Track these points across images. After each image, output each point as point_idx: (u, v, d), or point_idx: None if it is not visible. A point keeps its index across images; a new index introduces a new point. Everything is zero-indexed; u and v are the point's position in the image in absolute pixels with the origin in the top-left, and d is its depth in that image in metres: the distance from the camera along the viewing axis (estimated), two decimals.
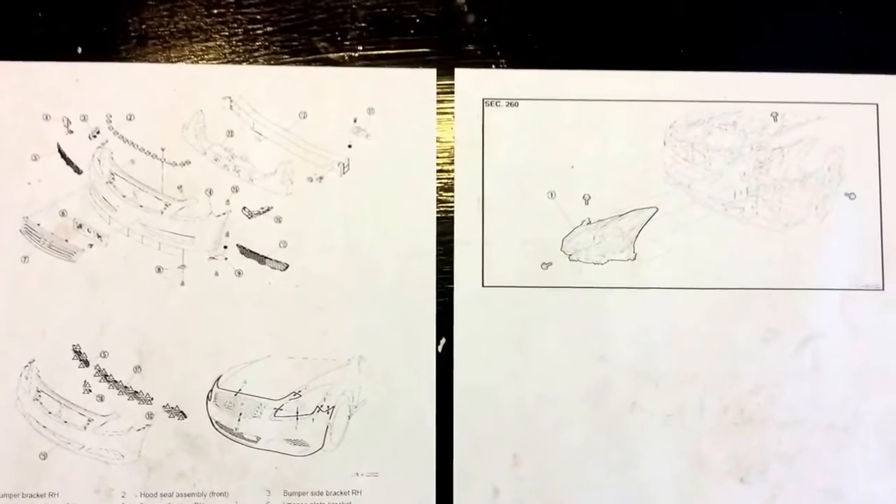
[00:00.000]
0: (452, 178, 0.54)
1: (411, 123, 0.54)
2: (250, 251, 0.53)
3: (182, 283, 0.53)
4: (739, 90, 0.55)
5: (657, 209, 0.54)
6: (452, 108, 0.55)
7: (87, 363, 0.52)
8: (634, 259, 0.54)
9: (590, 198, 0.54)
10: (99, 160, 0.53)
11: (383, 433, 0.53)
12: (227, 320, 0.53)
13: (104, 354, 0.52)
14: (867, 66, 0.55)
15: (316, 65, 0.55)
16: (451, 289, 0.54)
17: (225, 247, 0.53)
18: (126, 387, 0.52)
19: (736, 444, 0.53)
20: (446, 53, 0.55)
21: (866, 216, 0.54)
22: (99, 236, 0.53)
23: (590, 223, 0.54)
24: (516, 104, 0.55)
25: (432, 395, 0.53)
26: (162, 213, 0.53)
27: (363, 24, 0.55)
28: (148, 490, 0.52)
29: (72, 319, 0.52)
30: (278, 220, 0.53)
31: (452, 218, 0.54)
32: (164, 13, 0.55)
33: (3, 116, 0.53)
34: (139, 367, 0.52)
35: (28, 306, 0.52)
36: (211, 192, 0.54)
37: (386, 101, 0.54)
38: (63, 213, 0.53)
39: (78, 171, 0.53)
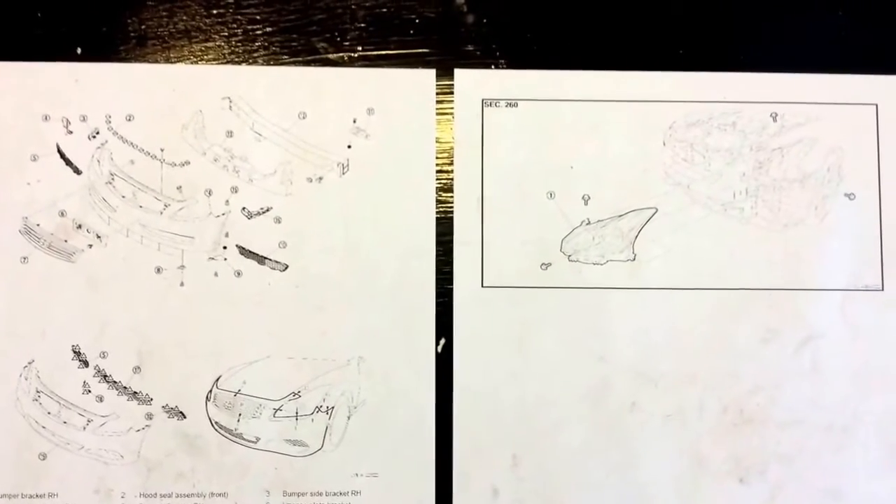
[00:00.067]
0: (452, 179, 0.54)
1: (411, 124, 0.54)
2: (250, 252, 0.53)
3: (181, 284, 0.53)
4: (739, 90, 0.55)
5: (657, 209, 0.54)
6: (452, 108, 0.55)
7: (86, 364, 0.52)
8: (634, 259, 0.54)
9: (589, 198, 0.54)
10: (98, 160, 0.53)
11: (383, 433, 0.53)
12: (226, 321, 0.53)
13: (104, 355, 0.52)
14: (866, 66, 0.55)
15: (315, 65, 0.55)
16: (451, 289, 0.54)
17: (224, 247, 0.53)
18: (125, 387, 0.52)
19: (735, 444, 0.53)
20: (446, 54, 0.55)
21: (866, 216, 0.54)
22: (98, 237, 0.53)
23: (589, 223, 0.54)
24: (516, 104, 0.55)
25: (432, 395, 0.53)
26: (161, 213, 0.53)
27: (362, 25, 0.55)
28: (147, 490, 0.52)
29: (71, 320, 0.52)
30: (278, 220, 0.54)
31: (452, 218, 0.54)
32: (164, 13, 0.55)
33: (3, 117, 0.53)
34: (138, 367, 0.52)
35: (27, 307, 0.52)
36: (210, 193, 0.54)
37: (385, 102, 0.54)
38: (62, 214, 0.53)
39: (77, 171, 0.53)
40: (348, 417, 0.53)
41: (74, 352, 0.52)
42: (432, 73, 0.55)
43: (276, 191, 0.54)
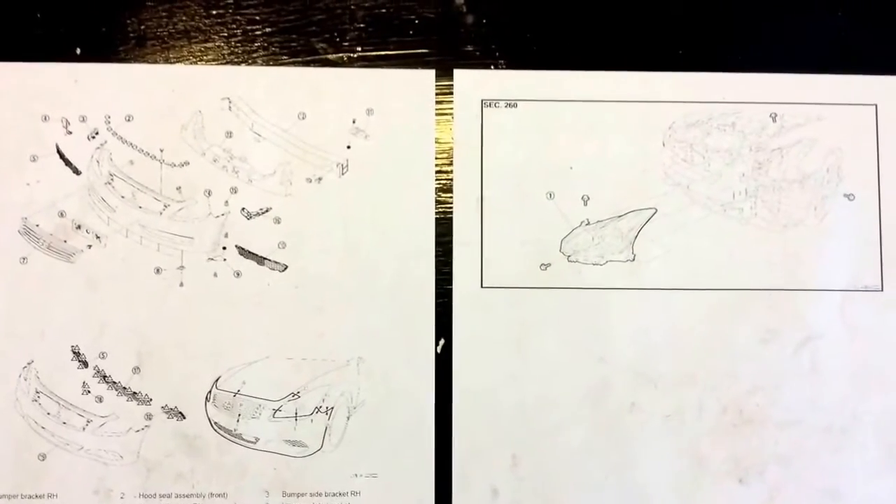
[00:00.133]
0: (451, 179, 0.54)
1: (410, 124, 0.54)
2: (249, 252, 0.53)
3: (181, 284, 0.53)
4: (738, 91, 0.55)
5: (656, 210, 0.54)
6: (451, 108, 0.55)
7: (85, 364, 0.52)
8: (633, 260, 0.54)
9: (589, 199, 0.54)
10: (98, 161, 0.53)
11: (382, 434, 0.53)
12: (225, 321, 0.53)
13: (103, 355, 0.52)
14: (866, 66, 0.55)
15: (315, 66, 0.55)
16: (450, 290, 0.54)
17: (224, 248, 0.53)
18: (125, 388, 0.52)
19: (735, 444, 0.53)
20: (445, 54, 0.55)
21: (865, 217, 0.54)
22: (98, 237, 0.53)
23: (589, 224, 0.54)
24: (515, 105, 0.55)
25: (431, 395, 0.53)
26: (161, 213, 0.53)
27: (362, 25, 0.55)
28: (147, 491, 0.52)
29: (71, 320, 0.52)
30: (277, 220, 0.53)
31: (451, 219, 0.54)
32: (163, 14, 0.55)
33: (2, 117, 0.53)
34: (138, 368, 0.52)
35: (27, 307, 0.52)
36: (210, 193, 0.53)
37: (385, 102, 0.54)
38: (62, 214, 0.53)
39: (77, 171, 0.53)
40: (348, 418, 0.53)
41: (74, 352, 0.52)
42: (432, 73, 0.55)
43: (275, 191, 0.54)
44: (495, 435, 0.53)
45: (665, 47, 0.56)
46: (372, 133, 0.54)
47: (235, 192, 0.54)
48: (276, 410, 0.53)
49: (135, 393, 0.52)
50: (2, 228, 0.53)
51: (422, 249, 0.54)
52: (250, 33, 0.55)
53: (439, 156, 0.54)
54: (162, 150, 0.54)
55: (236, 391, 0.53)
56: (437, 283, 0.54)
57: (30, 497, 0.52)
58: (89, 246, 0.53)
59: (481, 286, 0.54)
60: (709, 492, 0.53)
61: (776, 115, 0.55)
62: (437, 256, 0.54)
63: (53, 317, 0.52)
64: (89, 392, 0.52)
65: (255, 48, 0.55)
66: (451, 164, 0.54)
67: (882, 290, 0.54)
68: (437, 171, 0.54)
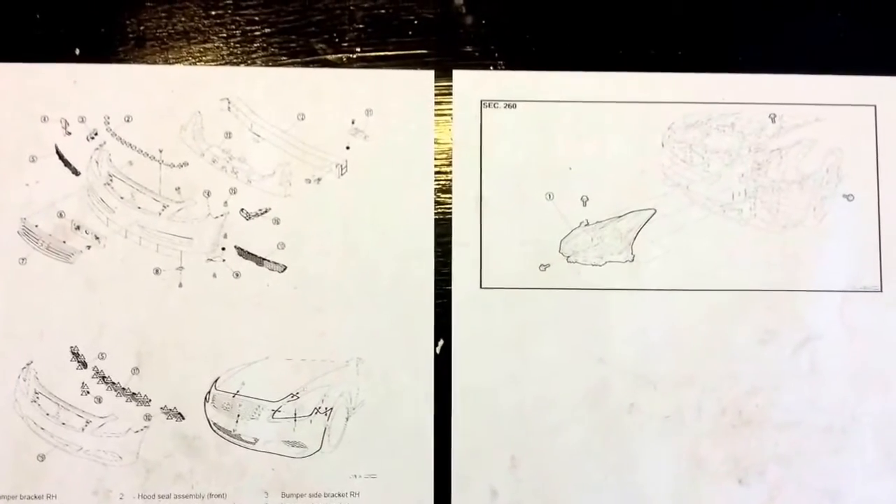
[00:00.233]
0: (450, 180, 0.54)
1: (409, 125, 0.54)
2: (248, 253, 0.53)
3: (180, 285, 0.53)
4: (738, 92, 0.55)
5: (655, 211, 0.54)
6: (450, 109, 0.55)
7: (84, 365, 0.52)
8: (633, 260, 0.54)
9: (588, 199, 0.54)
10: (97, 161, 0.53)
11: (381, 435, 0.53)
12: (225, 322, 0.53)
13: (102, 356, 0.52)
14: (865, 67, 0.55)
15: (314, 66, 0.55)
16: (450, 290, 0.54)
17: (223, 248, 0.53)
18: (124, 388, 0.52)
19: (734, 445, 0.53)
20: (444, 55, 0.55)
21: (864, 218, 0.54)
22: (97, 238, 0.53)
23: (588, 224, 0.54)
24: (514, 105, 0.55)
25: (430, 396, 0.53)
26: (160, 214, 0.53)
27: (361, 26, 0.55)
28: (146, 491, 0.52)
29: (70, 321, 0.52)
30: (276, 221, 0.53)
31: (450, 219, 0.54)
32: (163, 14, 0.55)
33: (1, 118, 0.53)
34: (137, 368, 0.52)
35: (26, 308, 0.52)
36: (209, 194, 0.53)
37: (384, 103, 0.54)
38: (61, 215, 0.53)
39: (76, 172, 0.53)
40: (347, 418, 0.53)
41: (73, 353, 0.52)
42: (431, 74, 0.55)
43: (274, 192, 0.54)
44: (494, 435, 0.53)
45: (664, 48, 0.56)
46: (371, 134, 0.54)
47: (234, 192, 0.54)
48: (275, 411, 0.53)
49: (134, 393, 0.52)
50: (1, 229, 0.53)
51: (421, 250, 0.54)
52: (249, 34, 0.55)
53: (438, 156, 0.54)
54: (161, 151, 0.54)
55: (235, 392, 0.53)
56: (436, 284, 0.54)
57: (29, 498, 0.52)
58: (88, 246, 0.53)
59: (480, 287, 0.54)
60: (708, 493, 0.53)
61: (775, 115, 0.55)
62: (436, 257, 0.54)
63: (52, 317, 0.52)
64: (88, 393, 0.52)
65: (254, 49, 0.55)
66: (450, 164, 0.54)
67: (881, 290, 0.54)
68: (437, 172, 0.54)
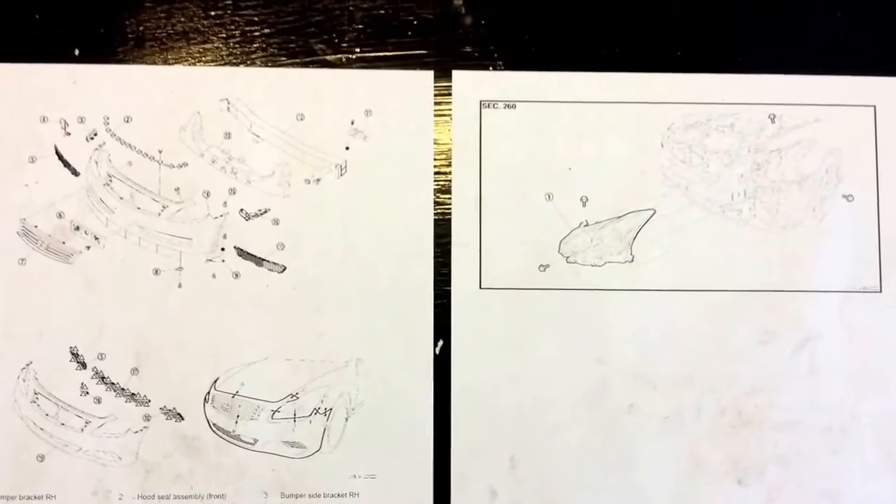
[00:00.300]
0: (450, 180, 0.54)
1: (409, 125, 0.54)
2: (248, 253, 0.53)
3: (179, 286, 0.53)
4: (737, 92, 0.55)
5: (655, 211, 0.54)
6: (450, 110, 0.55)
7: (84, 365, 0.52)
8: (632, 261, 0.54)
9: (587, 200, 0.54)
10: (96, 162, 0.53)
11: (381, 435, 0.53)
12: (224, 322, 0.53)
13: (101, 356, 0.52)
14: (865, 68, 0.55)
15: (313, 67, 0.55)
16: (449, 291, 0.54)
17: (222, 249, 0.53)
18: (123, 389, 0.52)
19: (733, 445, 0.53)
20: (444, 55, 0.55)
21: (864, 218, 0.54)
22: (96, 238, 0.53)
23: (587, 225, 0.54)
24: (514, 106, 0.55)
25: (430, 396, 0.53)
26: (159, 215, 0.53)
27: (360, 26, 0.55)
28: (145, 492, 0.52)
29: (69, 321, 0.52)
30: (276, 222, 0.53)
31: (450, 220, 0.54)
32: (162, 15, 0.55)
33: (1, 118, 0.53)
34: (136, 369, 0.52)
35: (25, 308, 0.52)
36: (208, 194, 0.53)
37: (383, 103, 0.54)
38: (60, 215, 0.53)
39: (75, 172, 0.53)
40: (346, 419, 0.53)
41: (72, 353, 0.52)
42: (430, 74, 0.55)
43: (274, 192, 0.54)
44: (494, 436, 0.53)
45: (664, 48, 0.56)
46: (370, 134, 0.54)
47: (234, 193, 0.54)
48: (274, 411, 0.53)
49: (133, 394, 0.53)
50: (0, 230, 0.53)
51: (420, 250, 0.54)
52: (249, 34, 0.55)
53: (438, 157, 0.54)
54: (160, 152, 0.54)
55: (235, 392, 0.53)
56: (435, 284, 0.54)
57: (28, 498, 0.52)
58: (88, 247, 0.53)
59: (480, 287, 0.54)
60: (707, 493, 0.53)
61: (775, 116, 0.55)
62: (435, 257, 0.54)
63: (52, 318, 0.52)
64: (88, 393, 0.52)
65: (253, 49, 0.55)
66: (449, 165, 0.54)
67: (880, 291, 0.54)
68: (436, 172, 0.54)
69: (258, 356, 0.53)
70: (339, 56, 0.55)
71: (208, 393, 0.53)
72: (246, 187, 0.54)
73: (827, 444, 0.53)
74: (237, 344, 0.53)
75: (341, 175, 0.54)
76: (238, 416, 0.52)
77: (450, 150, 0.54)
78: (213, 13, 0.55)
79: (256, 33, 0.55)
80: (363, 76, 0.55)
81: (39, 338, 0.52)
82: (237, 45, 0.55)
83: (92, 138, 0.53)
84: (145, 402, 0.53)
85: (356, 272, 0.53)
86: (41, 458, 0.52)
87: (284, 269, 0.53)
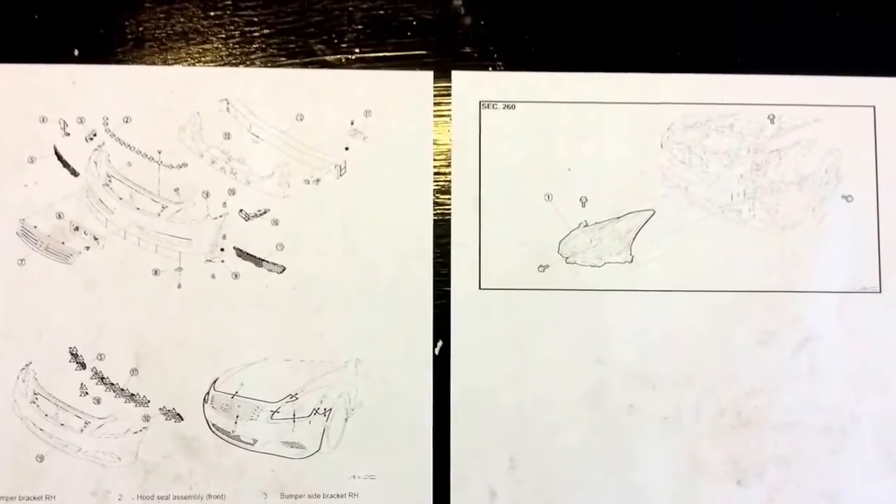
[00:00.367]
0: (449, 181, 0.54)
1: (408, 126, 0.54)
2: (247, 253, 0.53)
3: (179, 286, 0.53)
4: (737, 92, 0.55)
5: (654, 211, 0.54)
6: (449, 110, 0.55)
7: (83, 366, 0.52)
8: (631, 261, 0.54)
9: (587, 200, 0.54)
10: (96, 162, 0.53)
11: (380, 436, 0.53)
12: (223, 323, 0.53)
13: (101, 357, 0.52)
14: (864, 68, 0.55)
15: (313, 67, 0.55)
16: (448, 291, 0.54)
17: (222, 249, 0.53)
18: (123, 389, 0.52)
19: (733, 446, 0.53)
20: (443, 56, 0.55)
21: (863, 219, 0.54)
22: (96, 239, 0.53)
23: (587, 225, 0.54)
24: (513, 106, 0.55)
25: (429, 397, 0.53)
26: (159, 215, 0.53)
27: (360, 27, 0.55)
28: (145, 492, 0.52)
29: (68, 322, 0.52)
30: (275, 222, 0.53)
31: (449, 220, 0.54)
32: (161, 15, 0.55)
33: (0, 118, 0.53)
34: (136, 369, 0.52)
35: (25, 309, 0.52)
36: (208, 195, 0.53)
37: (383, 104, 0.54)
38: (60, 216, 0.53)
39: (74, 173, 0.53)
40: (346, 419, 0.53)
41: (72, 354, 0.52)
42: (430, 74, 0.55)
43: (273, 193, 0.54)
44: (493, 436, 0.53)
45: (663, 48, 0.56)
46: (370, 134, 0.54)
47: (233, 193, 0.54)
48: (274, 412, 0.53)
49: (133, 394, 0.52)
50: (0, 230, 0.53)
51: (420, 251, 0.54)
52: (248, 35, 0.55)
53: (437, 157, 0.54)
54: (160, 152, 0.54)
55: (234, 393, 0.53)
56: (435, 285, 0.54)
57: (28, 499, 0.52)
58: (87, 247, 0.53)
59: (479, 287, 0.54)
60: (707, 493, 0.53)
61: (774, 116, 0.55)
62: (435, 258, 0.54)
63: (51, 318, 0.52)
64: (87, 393, 0.52)
65: (253, 49, 0.55)
66: (449, 165, 0.54)
67: (880, 291, 0.54)
68: (436, 173, 0.54)
69: (258, 356, 0.53)
70: (338, 56, 0.55)
71: (208, 393, 0.53)
72: (245, 188, 0.54)
73: (827, 444, 0.53)
74: (236, 344, 0.53)
75: (341, 175, 0.54)
76: (237, 417, 0.52)
77: (449, 150, 0.54)
78: (212, 13, 0.55)
79: (256, 34, 0.55)
80: (363, 76, 0.55)
81: (39, 338, 0.52)
82: (237, 46, 0.55)
83: (91, 138, 0.53)
84: (145, 402, 0.52)
85: (356, 272, 0.53)
86: (40, 458, 0.52)
87: (284, 270, 0.53)
